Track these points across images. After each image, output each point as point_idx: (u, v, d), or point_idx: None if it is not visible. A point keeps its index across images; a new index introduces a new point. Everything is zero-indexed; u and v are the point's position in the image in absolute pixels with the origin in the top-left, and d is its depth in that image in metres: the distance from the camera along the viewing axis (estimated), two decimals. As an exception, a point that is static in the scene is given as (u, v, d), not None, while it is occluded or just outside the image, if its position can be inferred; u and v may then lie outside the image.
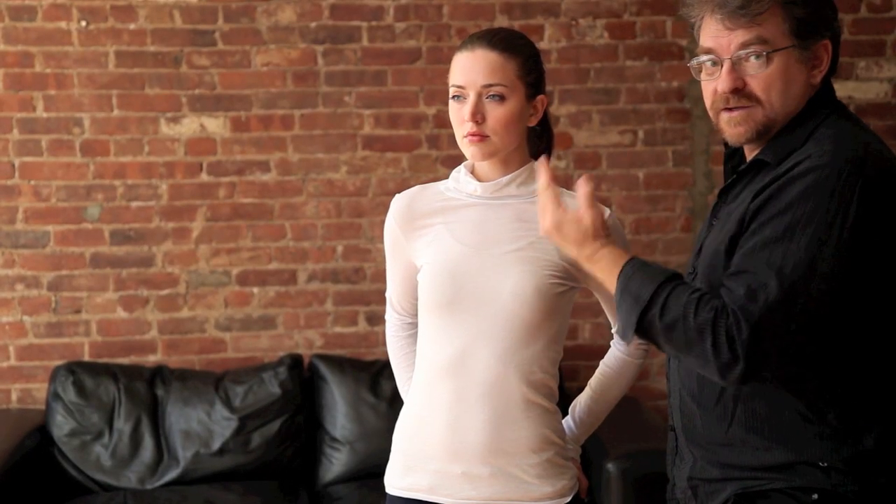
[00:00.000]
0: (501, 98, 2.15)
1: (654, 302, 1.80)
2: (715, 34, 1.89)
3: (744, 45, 1.86)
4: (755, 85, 1.87)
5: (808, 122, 1.88)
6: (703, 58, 1.93)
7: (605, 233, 1.95)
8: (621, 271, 1.88)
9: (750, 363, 1.73)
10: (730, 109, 1.91)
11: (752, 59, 1.86)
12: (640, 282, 1.84)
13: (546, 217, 1.96)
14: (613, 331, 2.35)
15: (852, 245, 1.74)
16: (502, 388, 2.16)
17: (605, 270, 1.92)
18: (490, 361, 2.16)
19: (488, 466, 2.17)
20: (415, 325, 2.36)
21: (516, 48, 2.19)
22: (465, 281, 2.16)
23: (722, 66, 1.89)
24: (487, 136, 2.16)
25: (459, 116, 2.18)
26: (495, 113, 2.15)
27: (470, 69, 2.16)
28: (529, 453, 2.18)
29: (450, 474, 2.19)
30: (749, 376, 1.75)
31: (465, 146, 2.19)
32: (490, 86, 2.15)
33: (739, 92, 1.88)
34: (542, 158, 2.05)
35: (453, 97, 2.19)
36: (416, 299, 2.29)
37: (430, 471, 2.21)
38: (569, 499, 2.22)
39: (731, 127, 1.92)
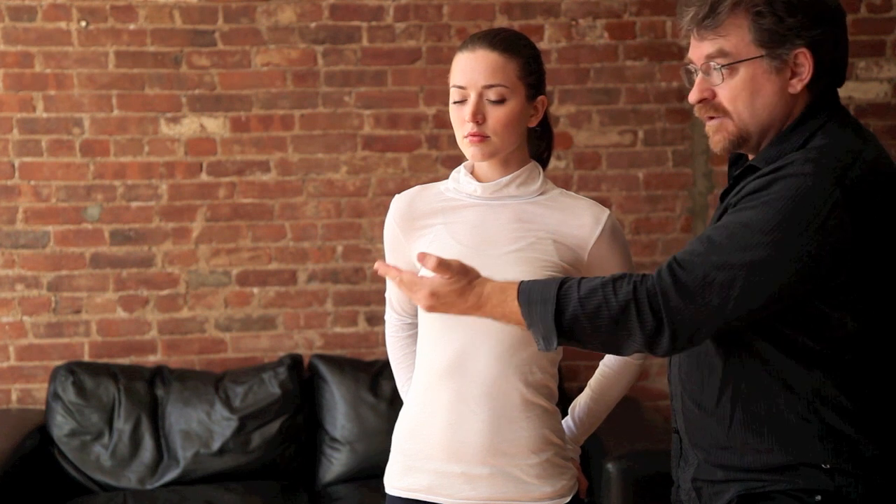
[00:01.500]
0: (502, 99, 2.16)
1: (566, 298, 1.80)
2: (691, 45, 1.93)
3: (709, 57, 1.88)
4: (722, 96, 1.90)
5: (803, 130, 1.88)
6: (690, 67, 1.96)
7: (473, 272, 1.91)
8: (519, 291, 1.86)
9: (674, 325, 1.75)
10: (710, 118, 1.94)
11: (714, 70, 1.88)
12: (541, 290, 1.84)
13: (419, 294, 1.91)
14: None
15: (815, 254, 1.73)
16: (502, 389, 2.16)
17: (501, 303, 1.88)
18: (489, 362, 2.16)
19: (487, 467, 2.17)
20: (414, 326, 2.36)
21: (517, 49, 2.19)
22: None
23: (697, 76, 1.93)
24: (488, 137, 2.16)
25: (460, 117, 2.18)
26: (496, 113, 2.15)
27: (471, 69, 2.16)
28: (529, 453, 2.18)
29: (449, 474, 2.19)
30: (678, 342, 1.77)
31: (466, 146, 2.19)
32: (491, 86, 2.15)
33: (708, 102, 1.91)
34: (378, 264, 1.98)
35: (454, 99, 2.19)
36: None
37: (430, 471, 2.21)
38: (568, 499, 2.22)
39: (712, 135, 1.95)
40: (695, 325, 1.76)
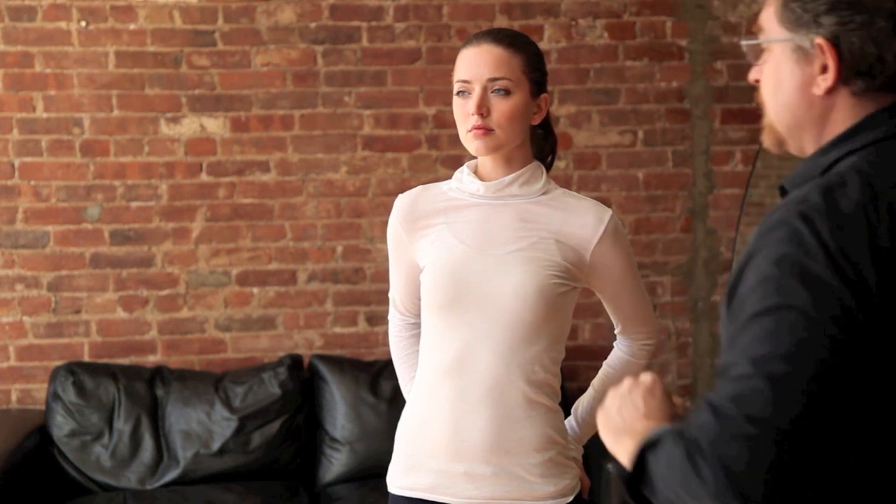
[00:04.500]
0: (507, 92, 2.16)
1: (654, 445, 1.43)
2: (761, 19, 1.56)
3: (750, 35, 1.57)
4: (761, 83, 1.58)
5: (834, 151, 1.49)
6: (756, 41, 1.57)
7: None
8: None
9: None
10: None
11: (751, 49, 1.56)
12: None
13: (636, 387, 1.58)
14: (615, 331, 2.35)
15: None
16: (504, 388, 2.16)
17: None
18: (492, 361, 2.16)
19: (490, 466, 2.17)
20: (417, 325, 2.36)
21: (521, 45, 2.20)
22: (466, 281, 2.16)
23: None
24: (492, 130, 2.15)
25: (464, 111, 2.17)
26: (500, 106, 2.15)
27: (476, 63, 2.16)
28: (532, 452, 2.18)
29: (452, 473, 2.19)
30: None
31: (470, 140, 2.18)
32: (496, 79, 2.15)
33: (756, 88, 1.59)
34: None
35: (458, 93, 2.18)
36: (420, 299, 2.29)
37: (433, 470, 2.21)
38: (570, 498, 2.22)
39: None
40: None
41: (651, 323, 2.34)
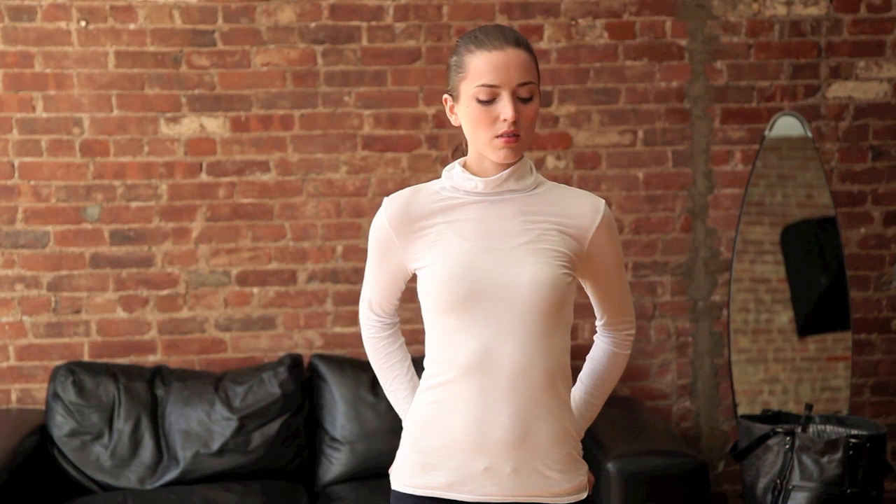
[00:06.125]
0: (531, 97, 2.16)
1: None
2: None
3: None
4: None
5: None
6: None
7: None
8: None
9: None
10: None
11: None
12: None
13: None
14: (598, 323, 2.37)
15: None
16: (528, 380, 2.16)
17: None
18: (515, 355, 2.15)
19: (511, 462, 2.17)
20: (394, 325, 2.40)
21: (531, 48, 2.20)
22: (480, 277, 2.15)
23: None
24: (519, 136, 2.15)
25: (490, 117, 2.14)
26: (527, 111, 2.15)
27: (506, 68, 2.12)
28: (551, 447, 2.18)
29: (472, 470, 2.18)
30: None
31: (497, 147, 2.15)
32: (524, 84, 2.14)
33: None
34: None
35: (481, 99, 2.14)
36: (398, 301, 2.34)
37: (451, 468, 2.19)
38: (584, 495, 2.22)
39: None
40: None
41: (632, 312, 2.39)
